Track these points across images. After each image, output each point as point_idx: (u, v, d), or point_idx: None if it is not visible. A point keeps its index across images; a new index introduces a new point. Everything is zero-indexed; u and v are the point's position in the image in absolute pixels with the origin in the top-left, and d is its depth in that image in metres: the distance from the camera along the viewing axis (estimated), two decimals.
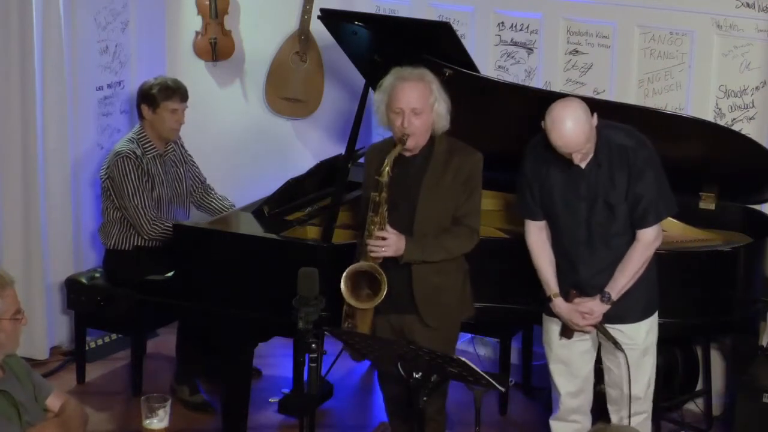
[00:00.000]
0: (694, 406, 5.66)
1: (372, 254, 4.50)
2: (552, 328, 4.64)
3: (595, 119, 4.36)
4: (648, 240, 4.45)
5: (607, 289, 4.46)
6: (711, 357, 5.61)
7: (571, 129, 4.28)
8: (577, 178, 4.44)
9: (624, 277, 4.45)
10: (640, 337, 4.56)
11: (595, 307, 4.48)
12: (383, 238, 4.49)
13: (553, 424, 4.77)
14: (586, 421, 4.75)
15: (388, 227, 4.50)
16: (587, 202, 4.45)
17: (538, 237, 4.61)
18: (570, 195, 4.47)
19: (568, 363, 4.66)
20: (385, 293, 4.50)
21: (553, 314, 4.60)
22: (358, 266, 4.53)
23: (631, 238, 4.47)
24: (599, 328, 4.53)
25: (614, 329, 4.53)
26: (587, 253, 4.49)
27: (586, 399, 4.73)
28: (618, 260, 4.47)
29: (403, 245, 4.51)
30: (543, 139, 4.41)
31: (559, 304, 4.55)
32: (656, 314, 4.61)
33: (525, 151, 4.57)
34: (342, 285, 4.52)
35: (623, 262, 4.46)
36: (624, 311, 4.51)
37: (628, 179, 4.39)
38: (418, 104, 4.49)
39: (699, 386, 5.64)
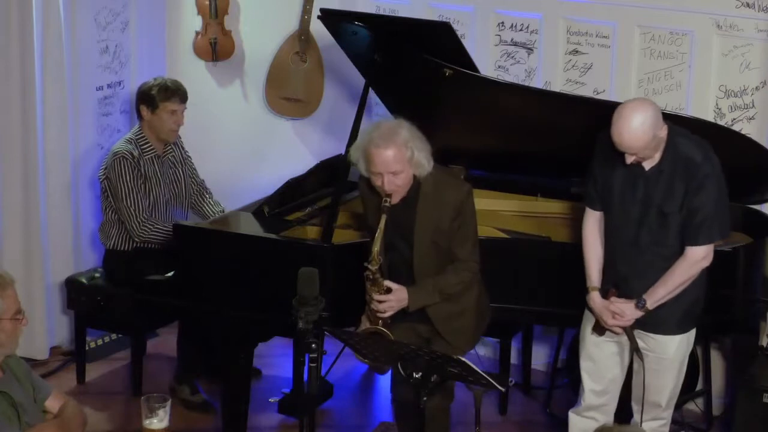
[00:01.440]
0: (694, 406, 5.66)
1: (378, 315, 4.59)
2: (588, 325, 4.63)
3: (664, 130, 4.32)
4: (695, 258, 4.40)
5: (645, 296, 4.43)
6: (711, 357, 5.61)
7: (632, 130, 4.23)
8: (637, 179, 4.41)
9: (664, 289, 4.42)
10: (670, 349, 4.52)
11: (627, 310, 4.45)
12: (383, 301, 4.57)
13: (572, 416, 4.76)
14: (605, 420, 4.73)
15: (387, 283, 4.56)
16: (642, 204, 4.41)
17: (593, 227, 4.58)
18: (627, 194, 4.44)
19: (597, 362, 4.65)
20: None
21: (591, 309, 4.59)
22: (365, 330, 4.61)
23: (679, 251, 4.42)
24: (627, 331, 4.51)
25: (647, 336, 4.51)
26: (631, 254, 4.46)
27: (611, 400, 4.71)
28: (660, 268, 4.43)
29: (405, 297, 4.57)
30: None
31: (594, 298, 4.53)
32: (693, 332, 4.57)
33: (598, 139, 4.52)
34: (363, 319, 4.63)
35: (666, 274, 4.42)
36: (659, 322, 4.48)
37: (686, 190, 4.35)
38: (395, 167, 4.49)
39: (699, 386, 5.64)
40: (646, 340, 4.53)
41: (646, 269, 4.45)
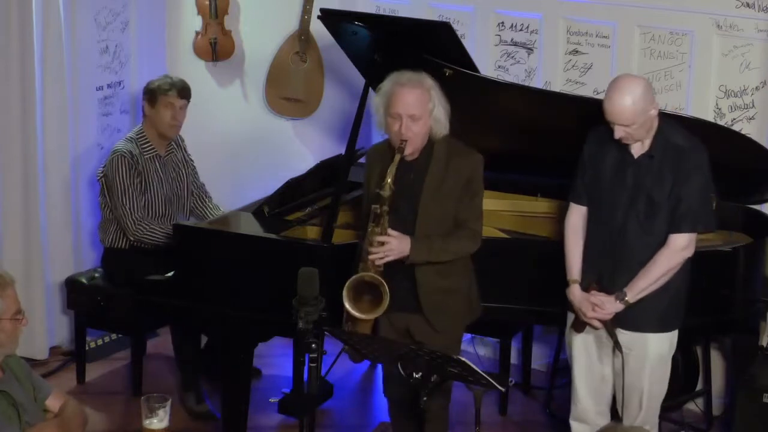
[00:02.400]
0: (694, 406, 5.66)
1: (375, 261, 4.50)
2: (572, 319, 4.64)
3: (655, 110, 4.36)
4: (677, 247, 4.41)
5: (625, 289, 4.44)
6: (711, 357, 5.61)
7: (622, 101, 4.28)
8: (626, 167, 4.44)
9: (645, 281, 4.42)
10: (651, 348, 4.53)
11: (607, 303, 4.45)
12: (384, 243, 4.48)
13: (573, 424, 4.77)
14: (605, 422, 4.74)
15: (390, 230, 4.49)
16: (631, 192, 4.44)
17: (576, 221, 4.60)
18: (616, 181, 4.46)
19: (587, 360, 4.66)
20: (387, 304, 4.49)
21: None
22: (361, 276, 4.53)
23: (663, 242, 4.44)
24: (607, 326, 4.51)
25: (627, 334, 4.51)
26: (618, 242, 4.47)
27: (605, 400, 4.72)
28: (644, 258, 4.44)
29: (407, 246, 4.50)
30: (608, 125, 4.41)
31: (574, 290, 4.54)
32: (675, 332, 4.57)
33: (588, 135, 4.55)
34: (344, 295, 4.52)
35: (647, 265, 4.43)
36: (638, 318, 4.48)
37: (675, 179, 4.38)
38: (415, 110, 4.47)
39: (699, 386, 5.65)
40: (626, 339, 4.53)
41: (627, 257, 4.46)
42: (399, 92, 4.48)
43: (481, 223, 4.64)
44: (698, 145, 4.43)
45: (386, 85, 4.56)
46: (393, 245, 4.49)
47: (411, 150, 4.53)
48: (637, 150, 4.42)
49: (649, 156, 4.41)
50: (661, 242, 4.43)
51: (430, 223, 4.57)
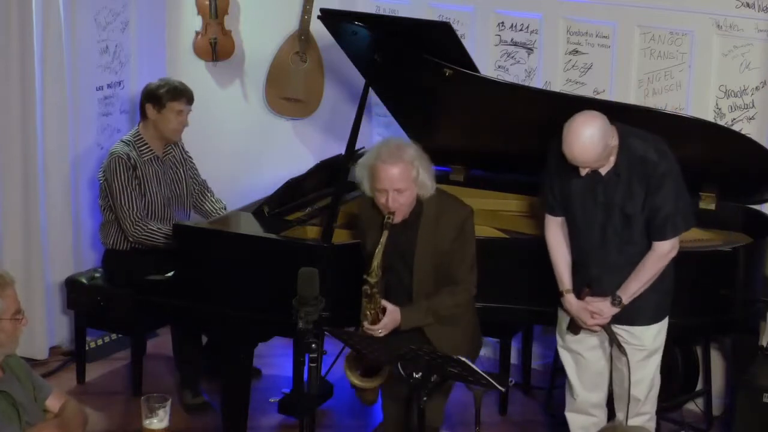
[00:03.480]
0: (694, 406, 5.66)
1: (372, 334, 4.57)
2: (566, 321, 4.66)
3: (615, 138, 4.36)
4: (662, 252, 4.45)
5: (618, 293, 4.47)
6: (711, 357, 5.61)
7: (582, 146, 4.28)
8: (596, 184, 4.44)
9: (636, 284, 4.46)
10: (648, 340, 4.57)
11: (605, 308, 4.49)
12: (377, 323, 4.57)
13: (569, 415, 4.79)
14: (603, 415, 4.77)
15: (384, 302, 4.55)
16: (603, 208, 4.45)
17: (555, 232, 4.62)
18: (587, 199, 4.48)
19: (580, 357, 4.69)
20: (386, 375, 4.58)
21: None
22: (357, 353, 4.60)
23: (646, 247, 4.46)
24: (606, 328, 4.53)
25: (623, 329, 4.54)
26: (600, 255, 4.50)
27: (602, 394, 4.74)
28: (630, 265, 4.47)
29: (398, 318, 4.57)
30: None
31: (570, 300, 4.56)
32: (666, 319, 4.61)
33: (550, 146, 4.55)
34: (345, 366, 4.64)
35: (637, 269, 4.46)
36: (634, 314, 4.52)
37: (646, 191, 4.39)
38: (400, 184, 4.52)
39: (699, 386, 5.65)
40: (623, 334, 4.56)
41: (616, 266, 4.50)
42: (382, 168, 4.52)
43: (473, 273, 4.69)
44: (663, 151, 4.43)
45: (369, 159, 4.61)
46: (386, 323, 4.56)
47: (400, 217, 4.59)
48: (604, 168, 4.42)
49: (615, 174, 4.42)
50: (642, 249, 4.47)
51: (426, 279, 4.64)
